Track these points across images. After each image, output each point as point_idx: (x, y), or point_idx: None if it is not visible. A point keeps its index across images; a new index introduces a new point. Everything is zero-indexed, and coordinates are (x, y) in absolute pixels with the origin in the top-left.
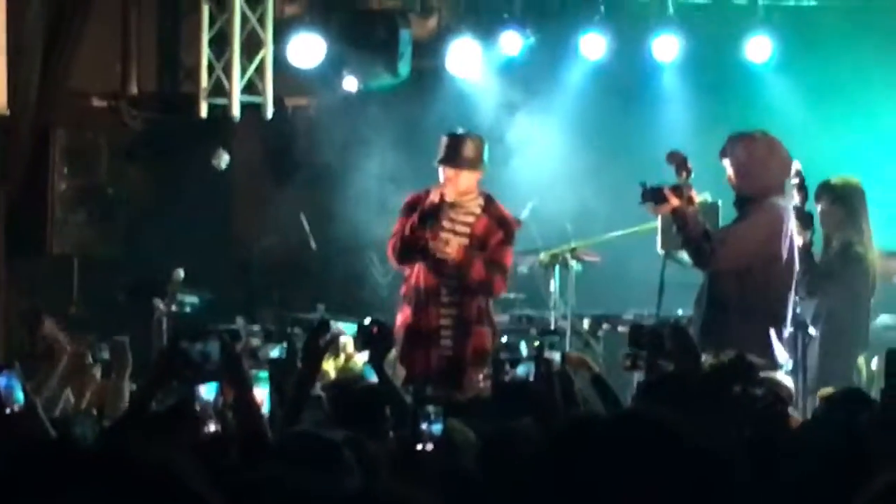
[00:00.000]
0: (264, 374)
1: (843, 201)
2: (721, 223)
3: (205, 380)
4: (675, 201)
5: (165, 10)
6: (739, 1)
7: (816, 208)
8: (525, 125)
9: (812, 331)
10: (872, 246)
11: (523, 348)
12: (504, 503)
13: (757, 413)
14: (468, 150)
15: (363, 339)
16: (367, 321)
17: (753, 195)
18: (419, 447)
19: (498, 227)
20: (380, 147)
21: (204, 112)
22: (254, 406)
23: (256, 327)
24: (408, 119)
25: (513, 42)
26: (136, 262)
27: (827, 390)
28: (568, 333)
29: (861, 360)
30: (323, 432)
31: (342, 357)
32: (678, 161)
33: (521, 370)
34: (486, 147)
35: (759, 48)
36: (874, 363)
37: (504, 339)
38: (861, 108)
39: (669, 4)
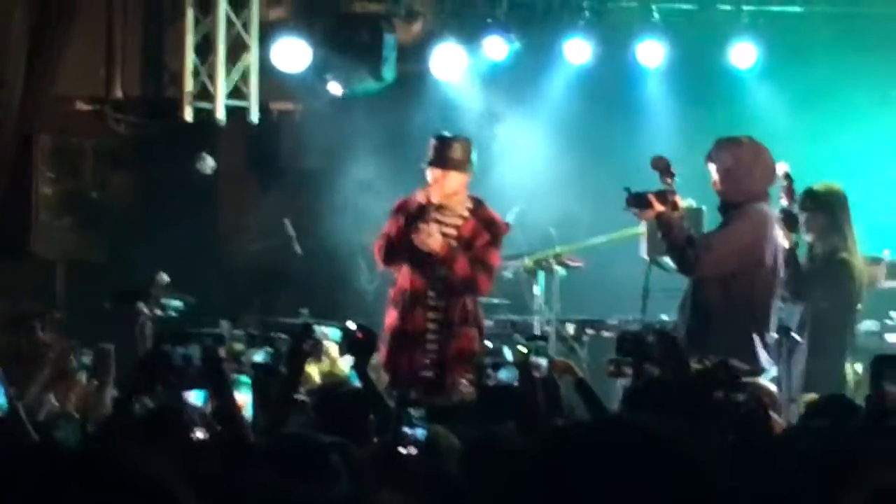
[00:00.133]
0: (247, 379)
1: (827, 208)
2: (706, 229)
3: (188, 384)
4: (659, 207)
5: (150, 14)
6: (724, 7)
7: (800, 216)
8: (509, 130)
9: (797, 336)
10: (857, 252)
11: (507, 353)
12: None
13: (739, 419)
14: (456, 151)
15: (348, 344)
16: (351, 326)
17: (738, 201)
18: (402, 452)
19: (485, 228)
20: (365, 152)
21: (189, 116)
22: (235, 410)
23: (240, 332)
24: (393, 123)
25: (497, 47)
26: (121, 267)
27: (811, 396)
28: (552, 339)
29: (847, 367)
30: (311, 435)
31: (326, 362)
32: (662, 166)
33: (504, 375)
34: (474, 149)
35: (743, 54)
36: (859, 368)
37: (488, 345)
38: (845, 114)
39: (654, 10)
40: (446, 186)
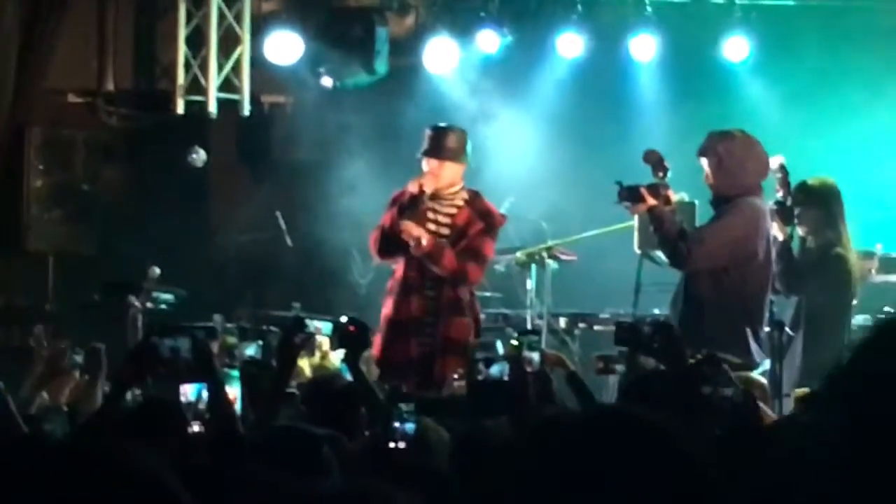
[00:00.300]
0: (236, 372)
1: (820, 202)
2: (698, 222)
3: (178, 376)
4: (651, 200)
5: (142, 7)
6: (717, 1)
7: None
8: (502, 124)
9: (790, 331)
10: (850, 247)
11: (499, 347)
12: (477, 501)
13: (727, 413)
14: (451, 141)
15: (339, 338)
16: (343, 319)
17: (731, 195)
18: (392, 446)
19: (479, 218)
20: (357, 144)
21: (181, 109)
22: (226, 403)
23: (233, 325)
24: (385, 116)
25: (490, 41)
26: (112, 260)
27: (803, 390)
28: (544, 332)
29: None
30: (304, 427)
31: (318, 355)
32: (655, 160)
33: (495, 369)
34: (470, 141)
35: (736, 48)
36: None
37: (480, 338)
38: (838, 108)
39: (647, 4)
40: (441, 176)
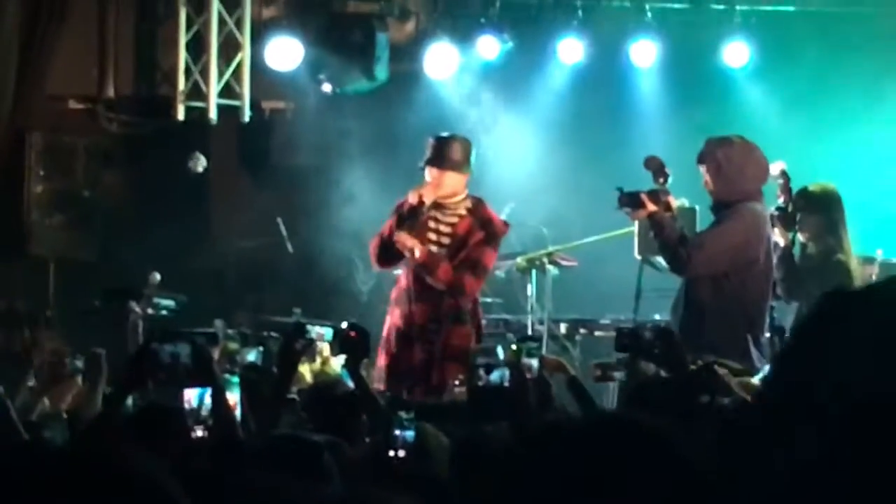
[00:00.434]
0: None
1: (821, 208)
2: (699, 228)
3: (177, 381)
4: (651, 206)
5: (142, 13)
6: (717, 6)
7: (795, 216)
8: (503, 130)
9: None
10: (851, 253)
11: (500, 353)
12: None
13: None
14: (454, 151)
15: (340, 344)
16: (344, 325)
17: (730, 200)
18: (392, 453)
19: (480, 227)
20: (357, 150)
21: (181, 115)
22: (225, 409)
23: (234, 331)
24: (385, 122)
25: (490, 46)
26: (113, 266)
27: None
28: (545, 338)
29: None
30: (304, 434)
31: (318, 361)
32: (655, 166)
33: (496, 375)
34: (473, 149)
35: (736, 54)
36: None
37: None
38: (838, 113)
39: (647, 10)
40: (442, 186)
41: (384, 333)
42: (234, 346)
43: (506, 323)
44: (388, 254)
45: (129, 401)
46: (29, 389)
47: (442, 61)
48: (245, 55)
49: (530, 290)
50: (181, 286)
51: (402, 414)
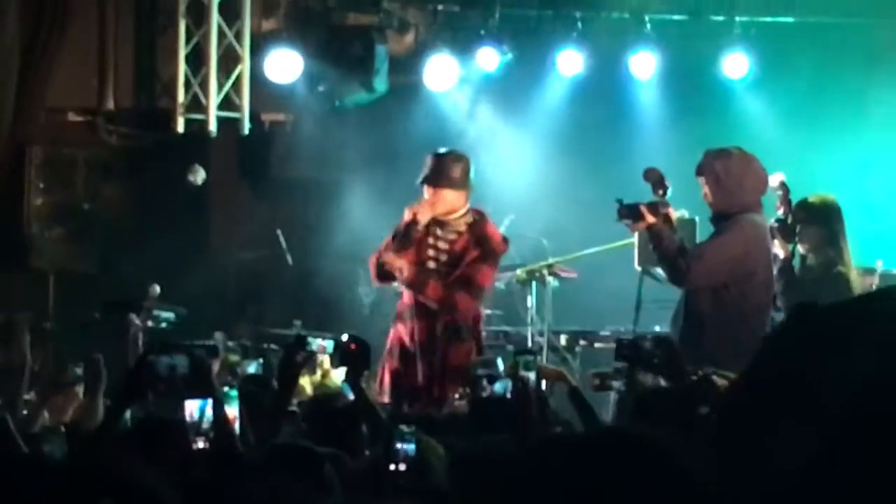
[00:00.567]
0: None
1: (821, 220)
2: (698, 239)
3: (178, 394)
4: (651, 218)
5: (142, 25)
6: (716, 18)
7: (795, 227)
8: (502, 141)
9: None
10: (851, 264)
11: (500, 365)
12: None
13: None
14: (451, 169)
15: (341, 356)
16: (345, 338)
17: (730, 212)
18: (392, 466)
19: (476, 245)
20: (357, 162)
21: (181, 127)
22: (223, 420)
23: (234, 343)
24: (385, 134)
25: (490, 58)
26: (113, 278)
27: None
28: (545, 350)
29: None
30: (306, 446)
31: (319, 373)
32: (655, 178)
33: (498, 387)
34: (472, 166)
35: (735, 65)
36: None
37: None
38: (837, 124)
39: (647, 21)
40: (439, 204)
41: (387, 347)
42: (234, 358)
43: (506, 335)
44: (384, 271)
45: (128, 413)
46: (26, 403)
47: (441, 73)
48: (245, 67)
49: (530, 301)
50: (181, 298)
51: (403, 427)
